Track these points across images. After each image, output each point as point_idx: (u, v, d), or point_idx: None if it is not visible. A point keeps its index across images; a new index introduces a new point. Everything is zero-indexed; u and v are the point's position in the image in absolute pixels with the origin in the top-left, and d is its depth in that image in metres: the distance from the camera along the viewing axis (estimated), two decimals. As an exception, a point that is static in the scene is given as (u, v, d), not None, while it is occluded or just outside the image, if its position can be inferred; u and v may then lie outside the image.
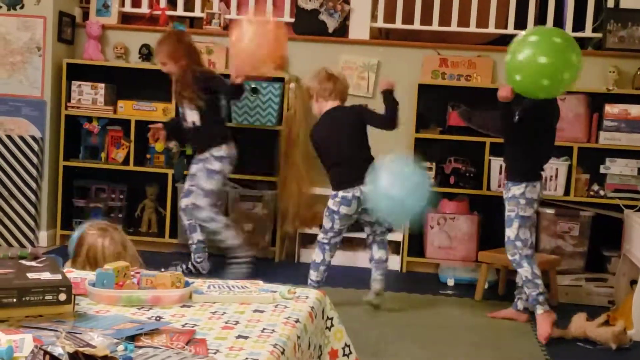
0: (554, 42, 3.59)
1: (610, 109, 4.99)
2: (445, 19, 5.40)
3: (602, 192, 5.07)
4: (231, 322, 1.72)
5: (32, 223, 5.39)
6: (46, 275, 1.73)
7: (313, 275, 4.28)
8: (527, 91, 3.72)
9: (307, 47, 5.48)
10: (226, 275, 4.55)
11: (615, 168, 5.04)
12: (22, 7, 5.33)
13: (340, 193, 4.18)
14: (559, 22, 5.34)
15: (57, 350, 1.31)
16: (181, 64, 4.64)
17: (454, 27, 5.40)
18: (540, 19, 5.40)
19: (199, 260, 4.82)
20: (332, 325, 2.07)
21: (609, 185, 5.06)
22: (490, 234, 4.85)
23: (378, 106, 5.40)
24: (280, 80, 5.29)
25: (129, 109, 5.40)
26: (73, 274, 2.08)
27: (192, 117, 4.70)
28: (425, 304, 4.52)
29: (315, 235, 4.47)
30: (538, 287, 3.94)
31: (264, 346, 1.56)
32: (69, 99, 5.44)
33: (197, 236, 4.82)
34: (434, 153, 5.32)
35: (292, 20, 5.54)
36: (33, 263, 1.85)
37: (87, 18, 5.66)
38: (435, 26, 5.43)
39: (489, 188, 5.14)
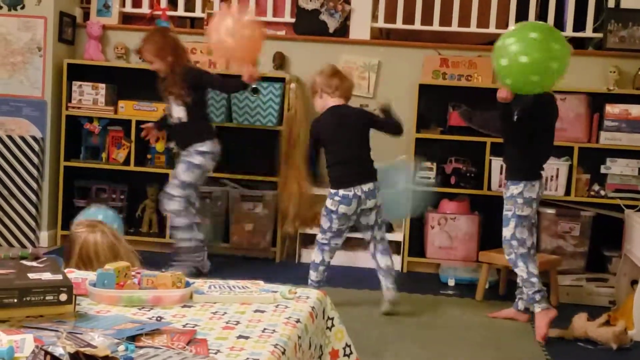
0: (530, 39, 3.56)
1: (611, 109, 4.99)
2: (445, 19, 5.40)
3: (602, 192, 5.07)
4: (232, 322, 1.72)
5: (32, 223, 5.40)
6: (47, 276, 1.73)
7: (313, 275, 4.28)
8: (523, 90, 3.72)
9: (307, 47, 5.48)
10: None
11: (615, 168, 5.04)
12: (22, 8, 5.34)
13: (341, 191, 4.15)
14: (559, 22, 5.34)
15: (58, 351, 1.31)
16: (168, 60, 4.64)
17: (454, 27, 5.40)
18: (541, 19, 5.39)
19: (198, 259, 4.82)
20: (332, 325, 2.07)
21: (610, 185, 5.06)
22: (491, 234, 4.85)
23: (378, 105, 5.41)
24: (281, 80, 5.29)
25: (130, 109, 5.40)
26: (74, 274, 2.08)
27: (178, 113, 4.70)
28: (426, 304, 4.52)
29: (315, 236, 4.46)
30: (534, 285, 3.94)
31: (265, 346, 1.56)
32: (69, 99, 5.44)
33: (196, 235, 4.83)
34: (435, 153, 5.32)
35: (293, 20, 5.54)
36: (34, 263, 1.85)
37: (87, 18, 5.66)
38: (435, 26, 5.43)
39: (489, 188, 5.14)
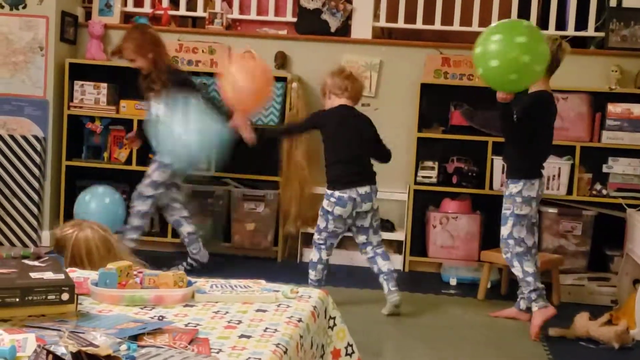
0: (494, 42, 3.53)
1: (613, 108, 4.99)
2: (447, 19, 5.40)
3: (604, 192, 5.06)
4: (234, 321, 1.72)
5: (34, 223, 5.40)
6: (49, 275, 1.73)
7: (312, 274, 4.28)
8: (510, 90, 3.70)
9: (309, 47, 5.48)
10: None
11: (617, 167, 5.03)
12: (24, 7, 5.34)
13: (337, 193, 4.14)
14: (561, 21, 5.34)
15: (60, 350, 1.31)
16: (149, 57, 4.64)
17: (456, 27, 5.40)
18: (543, 18, 5.40)
19: (194, 251, 4.84)
20: (334, 324, 2.06)
21: (612, 184, 5.06)
22: (492, 233, 4.84)
23: (380, 105, 5.42)
24: (283, 79, 5.29)
25: (132, 109, 5.40)
26: (76, 273, 2.08)
27: (157, 110, 4.70)
28: (428, 303, 4.52)
29: (316, 235, 4.46)
30: (530, 284, 3.94)
31: (267, 345, 1.56)
32: (71, 98, 5.45)
33: (186, 229, 4.84)
34: (437, 152, 5.32)
35: (295, 19, 5.54)
36: (36, 263, 1.85)
37: (89, 18, 5.67)
38: (437, 25, 5.43)
39: (491, 187, 5.14)
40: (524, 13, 5.29)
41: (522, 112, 3.89)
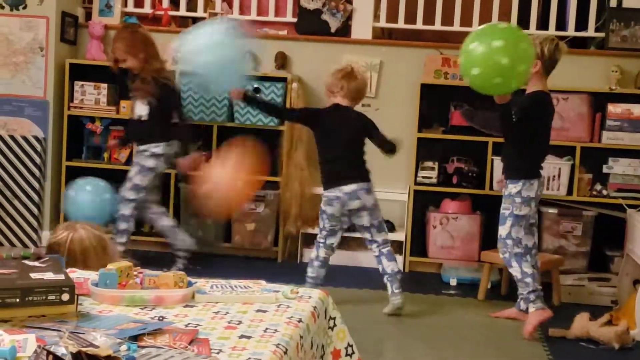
0: (472, 50, 3.53)
1: (613, 108, 4.99)
2: (447, 19, 5.40)
3: (605, 192, 5.06)
4: (234, 321, 1.72)
5: (34, 223, 5.40)
6: (49, 275, 1.73)
7: (309, 271, 4.31)
8: (501, 92, 3.70)
9: (309, 47, 5.48)
10: None
11: (618, 168, 5.03)
12: (24, 8, 5.34)
13: (325, 192, 4.20)
14: (561, 21, 5.34)
15: (60, 350, 1.32)
16: (140, 57, 4.64)
17: (456, 27, 5.40)
18: (543, 19, 5.40)
19: (180, 242, 4.83)
20: (334, 325, 2.06)
21: (612, 184, 5.06)
22: (492, 233, 4.82)
23: (380, 105, 5.42)
24: (283, 80, 5.29)
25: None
26: (76, 274, 2.08)
27: (140, 110, 4.71)
28: (428, 303, 4.52)
29: (317, 235, 4.46)
30: (529, 285, 3.94)
31: (267, 346, 1.56)
32: (71, 99, 5.45)
33: (164, 222, 4.86)
34: (437, 153, 5.33)
35: (295, 20, 5.55)
36: (36, 263, 1.85)
37: (89, 18, 5.67)
38: (437, 26, 5.43)
39: (491, 188, 5.14)
40: (524, 13, 5.30)
41: (519, 112, 3.89)
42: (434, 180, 5.25)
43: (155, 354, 1.44)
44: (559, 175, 5.04)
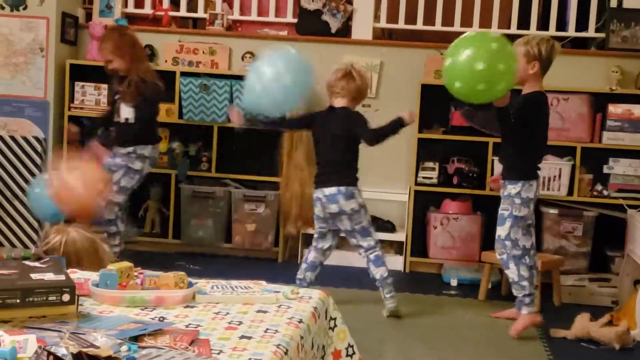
0: (448, 67, 3.56)
1: (614, 109, 4.99)
2: (448, 19, 5.40)
3: (605, 192, 5.06)
4: (234, 322, 1.72)
5: (35, 224, 5.40)
6: (50, 276, 1.73)
7: (298, 272, 4.32)
8: (492, 97, 3.68)
9: (309, 48, 5.47)
10: None
11: (618, 168, 5.03)
12: (25, 8, 5.34)
13: (313, 194, 4.22)
14: (561, 21, 5.34)
15: (61, 351, 1.32)
16: (126, 59, 4.63)
17: (457, 27, 5.39)
18: (544, 19, 5.39)
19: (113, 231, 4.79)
20: (335, 325, 2.06)
21: (613, 185, 5.05)
22: (493, 234, 4.82)
23: (381, 106, 5.42)
24: (283, 80, 5.28)
25: (132, 110, 5.40)
26: (76, 274, 2.08)
27: (126, 113, 4.68)
28: (429, 304, 4.52)
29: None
30: (524, 289, 3.92)
31: (267, 346, 1.56)
32: (72, 99, 5.45)
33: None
34: (437, 153, 5.33)
35: (295, 20, 5.55)
36: (36, 264, 1.85)
37: (90, 19, 5.67)
38: (438, 26, 5.43)
39: (491, 188, 5.13)
40: (524, 14, 5.29)
41: (516, 113, 3.89)
42: (435, 181, 5.26)
43: (155, 355, 1.44)
44: (559, 176, 5.04)
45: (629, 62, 5.17)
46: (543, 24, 5.38)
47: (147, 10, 5.70)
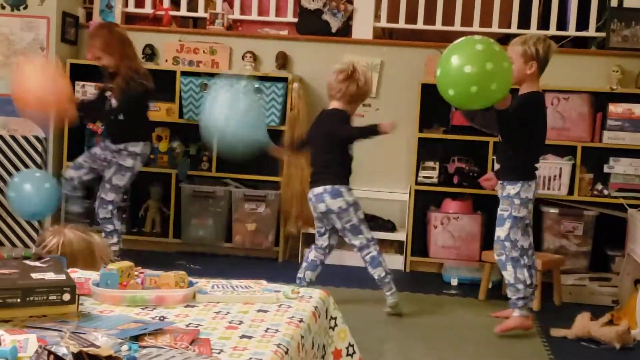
0: (439, 75, 3.59)
1: (614, 108, 4.99)
2: (448, 19, 5.40)
3: (606, 192, 5.06)
4: (235, 321, 1.72)
5: (35, 223, 5.40)
6: (50, 276, 1.73)
7: (299, 270, 4.32)
8: (487, 100, 3.65)
9: (310, 47, 5.49)
10: None
11: (619, 167, 5.03)
12: (25, 8, 5.34)
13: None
14: (562, 21, 5.33)
15: (62, 351, 1.32)
16: (116, 56, 4.61)
17: (457, 27, 5.39)
18: (544, 19, 5.39)
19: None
20: (335, 324, 2.06)
21: (613, 184, 5.05)
22: (493, 233, 4.84)
23: (381, 105, 5.42)
24: (284, 80, 5.29)
25: (133, 109, 5.39)
26: (77, 274, 2.08)
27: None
28: (429, 303, 4.52)
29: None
30: (519, 291, 3.91)
31: (268, 346, 1.56)
32: (72, 99, 5.44)
33: (74, 209, 4.86)
34: (438, 153, 5.33)
35: (296, 20, 5.55)
36: (37, 263, 1.85)
37: (90, 18, 5.67)
38: (438, 26, 5.43)
39: (484, 187, 5.13)
40: (524, 13, 5.29)
41: (514, 114, 3.89)
42: (435, 180, 5.26)
43: (156, 354, 1.44)
44: (559, 175, 5.04)
45: (629, 61, 5.17)
46: (543, 24, 5.38)
47: (148, 9, 5.70)
